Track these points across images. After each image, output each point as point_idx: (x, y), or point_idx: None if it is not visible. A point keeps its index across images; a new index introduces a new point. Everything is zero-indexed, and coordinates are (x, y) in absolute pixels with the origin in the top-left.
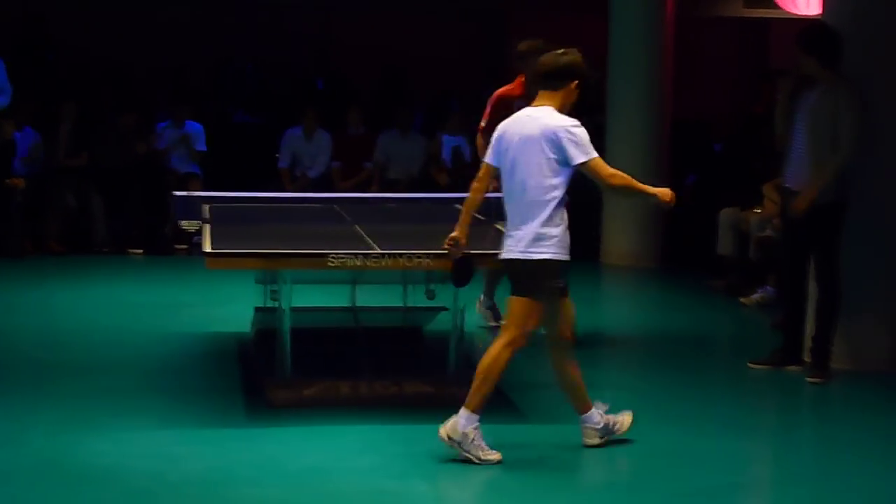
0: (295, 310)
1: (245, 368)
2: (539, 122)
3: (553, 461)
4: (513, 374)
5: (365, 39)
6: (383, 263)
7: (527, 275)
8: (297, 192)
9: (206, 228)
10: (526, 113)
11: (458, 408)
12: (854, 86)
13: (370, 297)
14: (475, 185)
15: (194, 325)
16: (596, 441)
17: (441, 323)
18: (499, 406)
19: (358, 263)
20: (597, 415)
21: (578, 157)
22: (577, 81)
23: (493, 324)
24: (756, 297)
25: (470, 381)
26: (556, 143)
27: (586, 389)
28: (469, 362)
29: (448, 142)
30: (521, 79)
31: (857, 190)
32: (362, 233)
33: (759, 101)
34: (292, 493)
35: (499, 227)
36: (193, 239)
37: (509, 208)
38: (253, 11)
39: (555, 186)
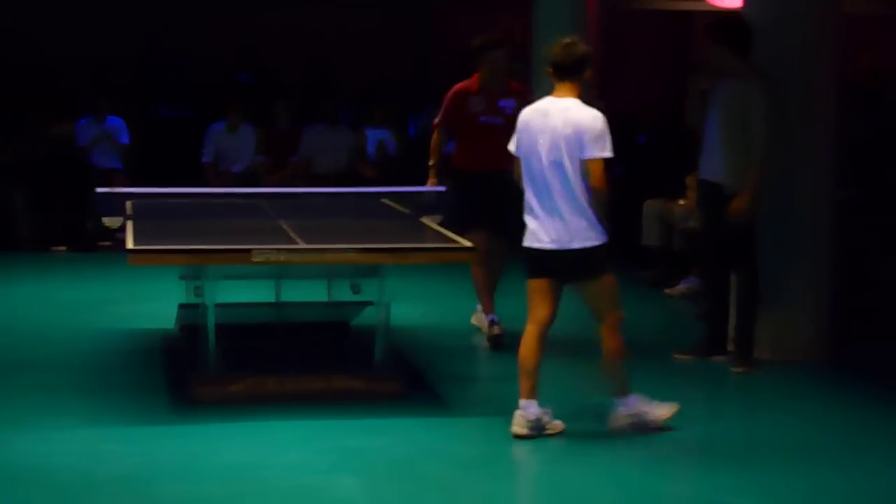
0: (219, 306)
1: (170, 365)
2: (574, 113)
3: (481, 453)
4: (440, 368)
5: (291, 32)
6: (308, 258)
7: (594, 261)
8: (222, 188)
9: (129, 225)
10: (556, 105)
11: (386, 401)
12: (765, 77)
13: (296, 292)
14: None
15: (119, 321)
16: (525, 432)
17: (367, 317)
18: (424, 397)
19: (282, 259)
20: (536, 407)
21: (592, 152)
22: (588, 69)
23: (497, 332)
24: (681, 287)
25: (395, 376)
26: (584, 136)
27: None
28: (395, 356)
29: (373, 135)
30: (476, 75)
31: (773, 181)
32: (287, 228)
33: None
34: (219, 490)
35: (426, 221)
36: (117, 235)
37: (545, 199)
38: (176, 4)
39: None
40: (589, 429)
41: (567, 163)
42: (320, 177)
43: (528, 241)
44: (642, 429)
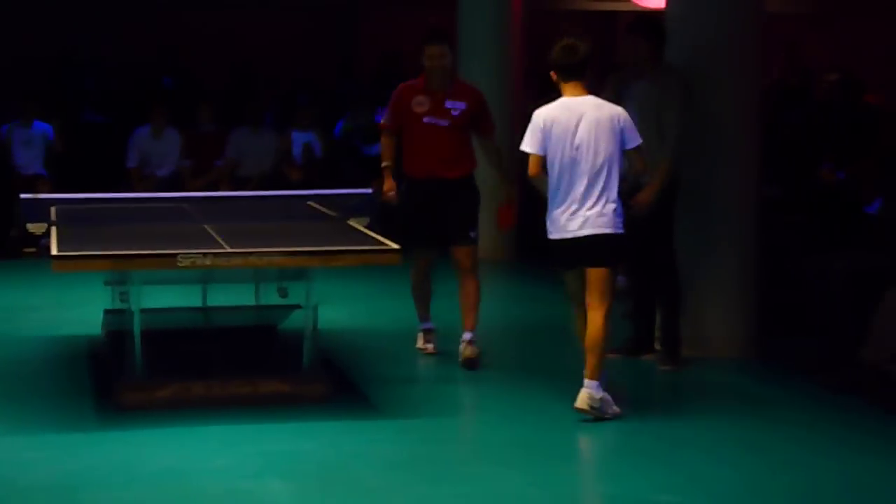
0: (145, 311)
1: (96, 371)
2: (603, 108)
3: (409, 455)
4: (368, 370)
5: (213, 35)
6: (234, 262)
7: (616, 247)
8: (147, 192)
9: (53, 231)
10: (584, 102)
11: (314, 405)
12: (679, 74)
13: (222, 296)
14: (537, 177)
15: (43, 328)
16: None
17: (295, 321)
18: (353, 400)
19: (208, 263)
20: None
21: (635, 141)
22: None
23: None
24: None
25: (323, 380)
26: (623, 127)
27: None
28: (323, 359)
29: (298, 138)
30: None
31: (691, 177)
32: (212, 232)
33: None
34: (146, 496)
35: (353, 223)
36: (41, 242)
37: (576, 188)
38: (94, 7)
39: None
40: (519, 433)
41: (609, 153)
42: (246, 180)
43: (559, 233)
44: (600, 415)
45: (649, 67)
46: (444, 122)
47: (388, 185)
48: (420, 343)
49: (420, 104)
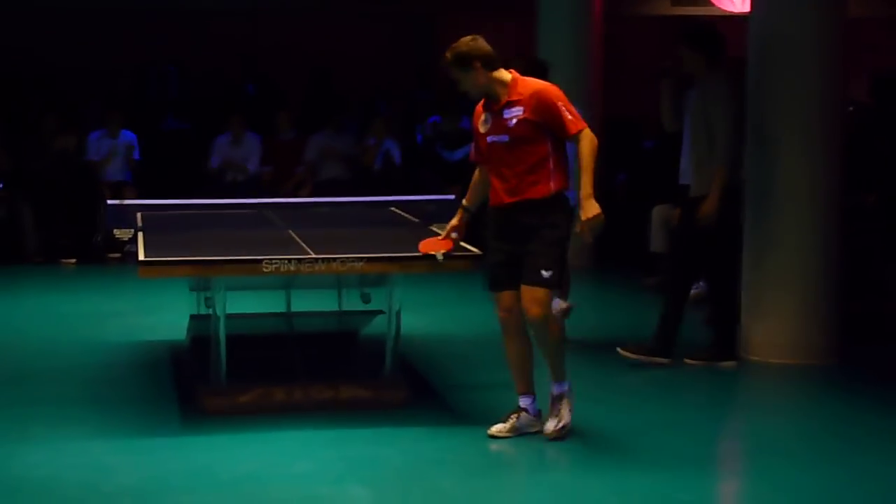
0: (229, 316)
1: (179, 376)
2: None
3: (488, 462)
4: (449, 376)
5: (293, 43)
6: (317, 268)
7: None
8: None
9: (139, 237)
10: None
11: (395, 410)
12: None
13: (305, 301)
14: None
15: (128, 333)
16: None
17: (376, 326)
18: (433, 407)
19: (292, 268)
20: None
21: None
22: None
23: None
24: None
25: (403, 385)
26: None
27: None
28: (404, 365)
29: (378, 144)
30: None
31: (770, 181)
32: (296, 237)
33: None
34: (228, 502)
35: (435, 229)
36: (126, 247)
37: None
38: (178, 16)
39: None
40: (597, 438)
41: None
42: (325, 185)
43: None
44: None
45: (700, 77)
46: (504, 138)
47: (451, 224)
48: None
49: (483, 123)
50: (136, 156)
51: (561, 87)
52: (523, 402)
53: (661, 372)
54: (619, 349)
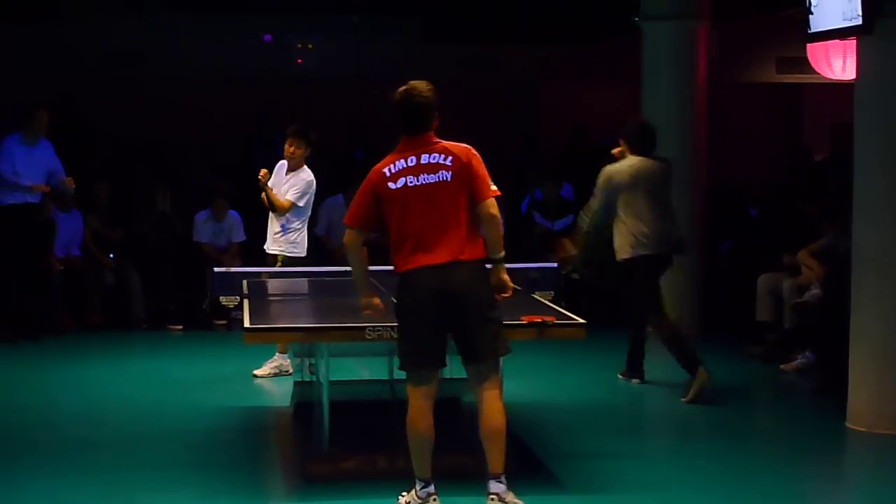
0: (333, 383)
1: (284, 442)
2: None
3: None
4: (551, 444)
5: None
6: None
7: None
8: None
9: (245, 303)
10: None
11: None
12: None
13: None
14: None
15: (234, 399)
16: None
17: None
18: (536, 475)
19: (394, 335)
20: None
21: None
22: None
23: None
24: (796, 363)
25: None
26: None
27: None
28: (507, 432)
29: None
30: None
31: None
32: None
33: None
34: None
35: (537, 296)
36: (232, 314)
37: None
38: (284, 85)
39: None
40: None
41: None
42: None
43: None
44: None
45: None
46: None
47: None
48: None
49: None
50: (240, 237)
51: (666, 154)
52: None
53: (765, 443)
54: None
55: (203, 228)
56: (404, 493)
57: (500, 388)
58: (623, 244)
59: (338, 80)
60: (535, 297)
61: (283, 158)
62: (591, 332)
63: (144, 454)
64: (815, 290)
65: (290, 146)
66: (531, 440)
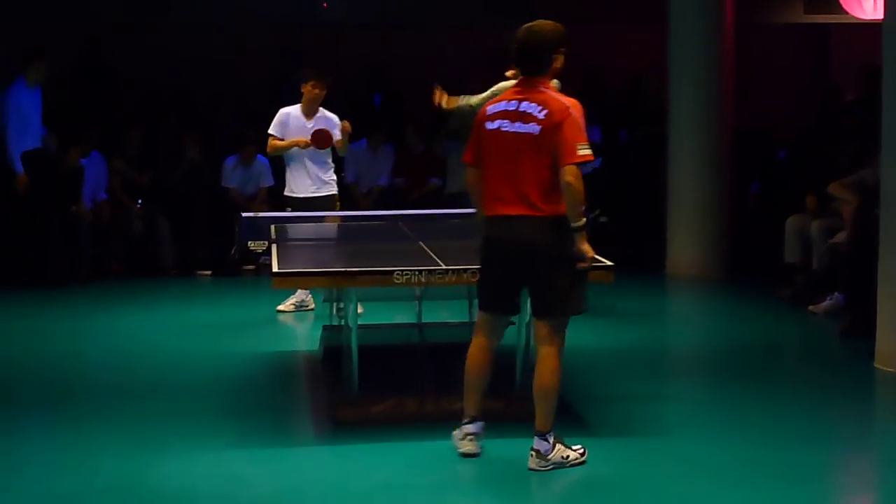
0: (362, 327)
1: (313, 387)
2: None
3: (620, 474)
4: (581, 388)
5: (419, 57)
6: (448, 279)
7: None
8: (363, 210)
9: (273, 249)
10: None
11: (526, 422)
12: None
13: (436, 313)
14: None
15: (262, 344)
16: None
17: (507, 338)
18: (564, 419)
19: (423, 280)
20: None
21: None
22: None
23: None
24: (825, 304)
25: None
26: None
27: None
28: None
29: None
30: None
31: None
32: (427, 249)
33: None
34: None
35: None
36: (260, 259)
37: None
38: (308, 31)
39: None
40: (734, 450)
41: None
42: (458, 195)
43: None
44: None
45: None
46: None
47: None
48: None
49: None
50: (268, 181)
51: (692, 96)
52: None
53: (792, 386)
54: None
55: (232, 174)
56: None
57: (558, 347)
58: None
59: (362, 25)
60: None
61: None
62: (620, 277)
63: (175, 401)
64: (845, 231)
65: (315, 88)
66: (563, 384)
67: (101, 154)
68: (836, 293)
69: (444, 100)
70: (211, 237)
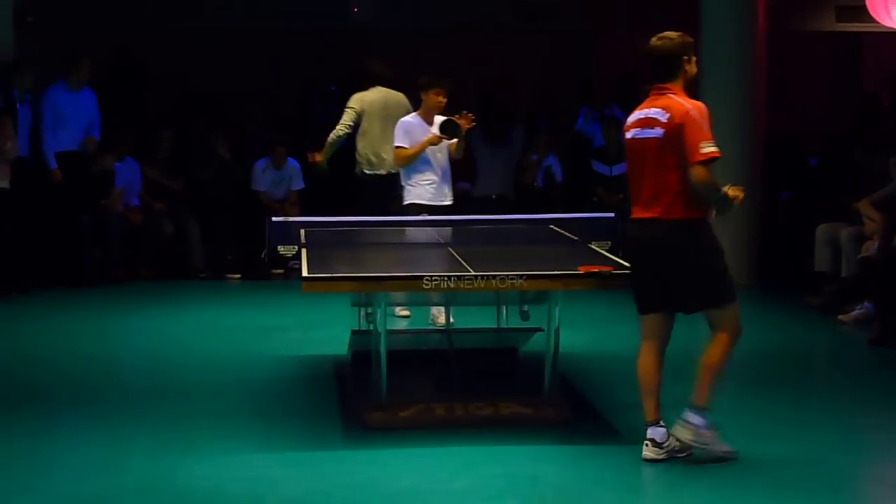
0: (391, 332)
1: (341, 391)
2: None
3: (649, 481)
4: (609, 395)
5: (452, 59)
6: (477, 285)
7: None
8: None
9: (303, 253)
10: None
11: (555, 428)
12: None
13: (465, 318)
14: None
15: (291, 348)
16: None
17: (536, 344)
18: (593, 425)
19: (452, 285)
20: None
21: None
22: None
23: None
24: (854, 313)
25: (563, 403)
26: None
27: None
28: (565, 383)
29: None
30: None
31: None
32: (456, 255)
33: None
34: None
35: (595, 247)
36: (290, 263)
37: None
38: (339, 36)
39: None
40: (766, 456)
41: None
42: (485, 199)
43: None
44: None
45: None
46: None
47: None
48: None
49: None
50: (299, 185)
51: (724, 103)
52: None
53: (821, 393)
54: None
55: (262, 177)
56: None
57: (728, 332)
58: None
59: (393, 31)
60: (592, 247)
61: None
62: None
63: (204, 403)
64: (876, 244)
65: (438, 95)
66: (588, 391)
67: (135, 160)
68: (865, 302)
69: (318, 158)
70: (240, 240)
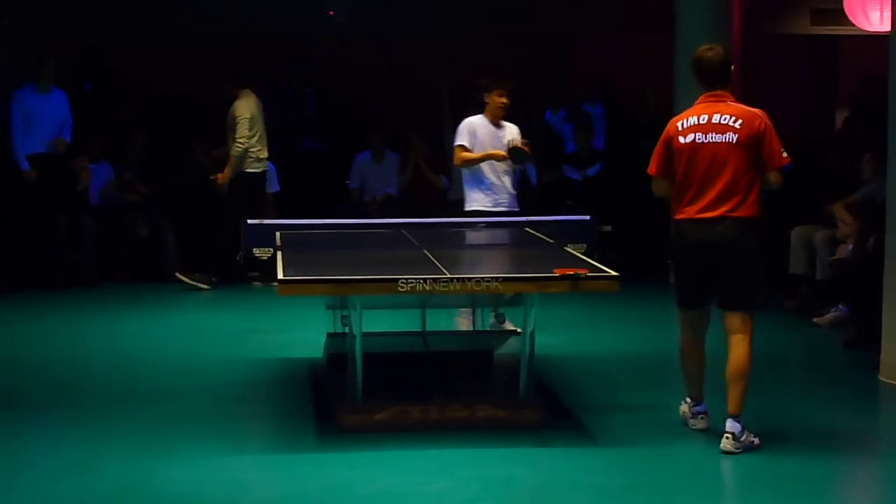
0: (366, 335)
1: (316, 394)
2: None
3: (624, 484)
4: (584, 397)
5: (431, 63)
6: (452, 288)
7: None
8: (367, 217)
9: (279, 255)
10: None
11: (530, 431)
12: None
13: (440, 321)
14: None
15: (266, 350)
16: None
17: (511, 346)
18: (568, 427)
19: (427, 288)
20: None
21: None
22: None
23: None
24: (829, 316)
25: (538, 406)
26: None
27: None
28: (540, 385)
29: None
30: None
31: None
32: (432, 257)
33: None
34: None
35: (570, 249)
36: (265, 266)
37: None
38: (313, 39)
39: None
40: (743, 460)
41: None
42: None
43: None
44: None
45: None
46: None
47: None
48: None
49: None
50: (274, 188)
51: None
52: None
53: (796, 395)
54: None
55: None
56: (687, 400)
57: (749, 335)
58: None
59: (368, 33)
60: (568, 249)
61: (314, 111)
62: (624, 285)
63: (179, 406)
64: (850, 246)
65: (502, 97)
66: (563, 393)
67: (109, 163)
68: (840, 305)
69: (221, 179)
70: (215, 243)
